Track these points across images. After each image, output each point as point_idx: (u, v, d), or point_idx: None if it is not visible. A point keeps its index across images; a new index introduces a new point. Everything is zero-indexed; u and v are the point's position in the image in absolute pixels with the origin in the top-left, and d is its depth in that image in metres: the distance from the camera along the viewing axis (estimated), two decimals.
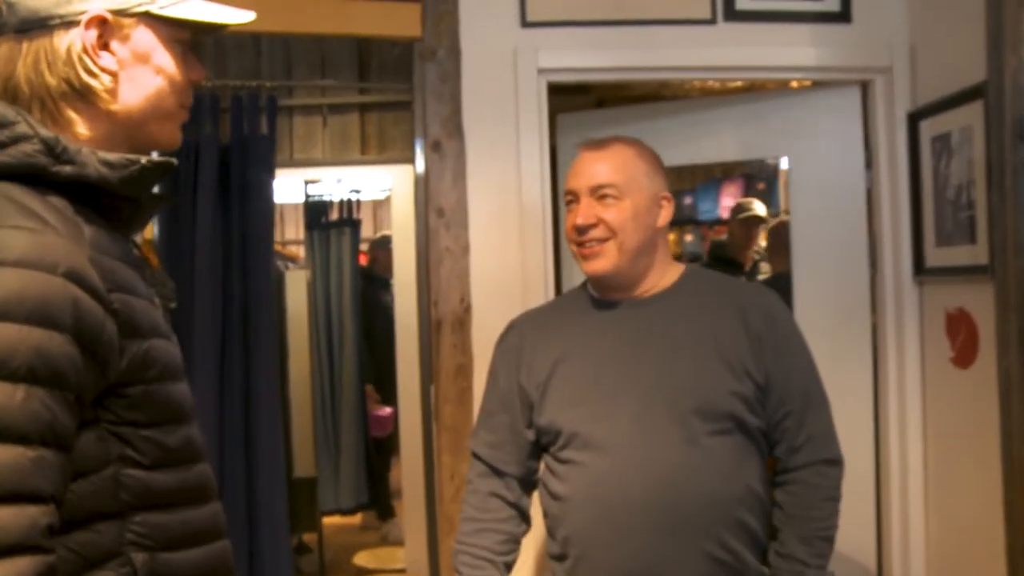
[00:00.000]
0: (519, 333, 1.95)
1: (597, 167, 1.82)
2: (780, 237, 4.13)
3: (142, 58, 1.12)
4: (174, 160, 1.15)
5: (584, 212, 1.80)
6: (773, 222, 4.43)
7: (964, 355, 2.46)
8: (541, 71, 2.58)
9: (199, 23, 1.16)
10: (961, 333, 2.47)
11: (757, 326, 1.80)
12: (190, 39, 1.18)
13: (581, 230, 1.80)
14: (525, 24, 2.58)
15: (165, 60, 1.14)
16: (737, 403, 1.75)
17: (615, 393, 1.78)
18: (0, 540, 0.85)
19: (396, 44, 3.07)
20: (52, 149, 1.03)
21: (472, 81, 2.58)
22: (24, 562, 0.87)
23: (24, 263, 0.92)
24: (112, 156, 1.06)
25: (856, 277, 2.80)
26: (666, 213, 1.86)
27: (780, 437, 1.81)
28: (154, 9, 1.11)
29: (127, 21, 1.10)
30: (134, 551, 1.04)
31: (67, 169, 1.03)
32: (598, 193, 1.80)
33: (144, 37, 1.12)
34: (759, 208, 4.30)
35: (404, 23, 2.57)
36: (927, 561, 2.64)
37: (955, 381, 2.51)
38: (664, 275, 1.88)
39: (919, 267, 2.63)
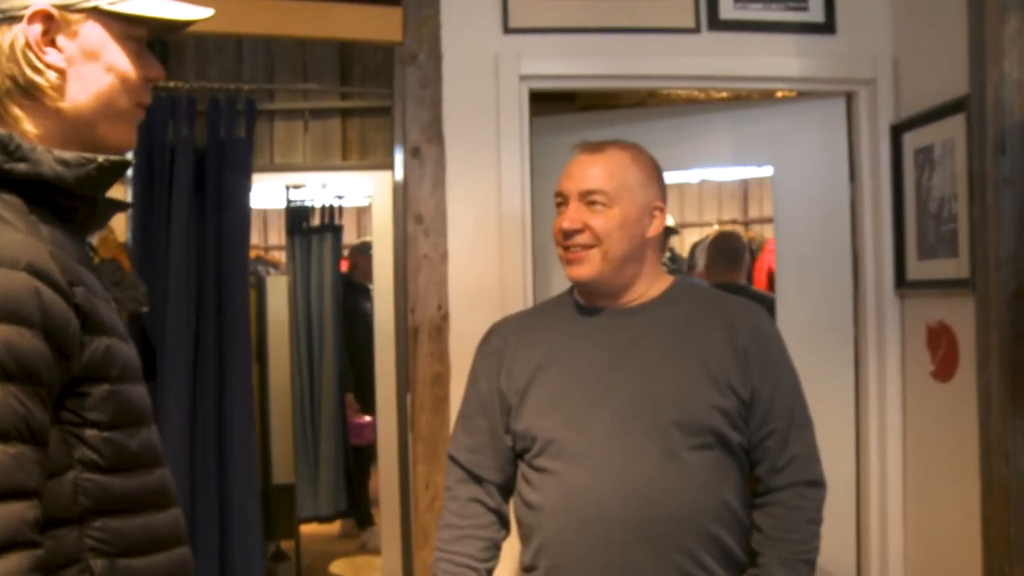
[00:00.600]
0: (501, 336, 1.92)
1: (589, 171, 1.79)
2: (720, 248, 4.14)
3: (91, 55, 1.09)
4: (130, 159, 1.13)
5: (571, 216, 1.77)
6: (713, 233, 4.43)
7: (944, 368, 2.45)
8: (523, 78, 2.56)
9: (153, 19, 1.13)
10: (942, 347, 2.46)
11: (744, 342, 1.78)
12: (146, 37, 1.15)
13: (567, 234, 1.78)
14: (507, 30, 2.56)
15: (116, 57, 1.11)
16: (719, 418, 1.73)
17: (594, 402, 1.76)
18: None
19: (379, 49, 3.05)
20: (5, 146, 1.01)
21: (453, 87, 2.56)
22: (17, 557, 0.88)
23: None
24: (68, 154, 1.04)
25: (839, 288, 2.78)
26: (658, 223, 1.84)
27: (762, 456, 1.78)
28: (103, 4, 1.08)
29: (75, 16, 1.07)
30: (93, 557, 1.02)
31: (21, 167, 1.01)
32: (587, 198, 1.77)
33: (93, 33, 1.09)
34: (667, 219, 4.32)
35: (385, 27, 2.55)
36: (905, 574, 2.63)
37: (935, 394, 2.49)
38: (652, 285, 1.85)
39: (900, 280, 2.62)
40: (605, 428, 1.73)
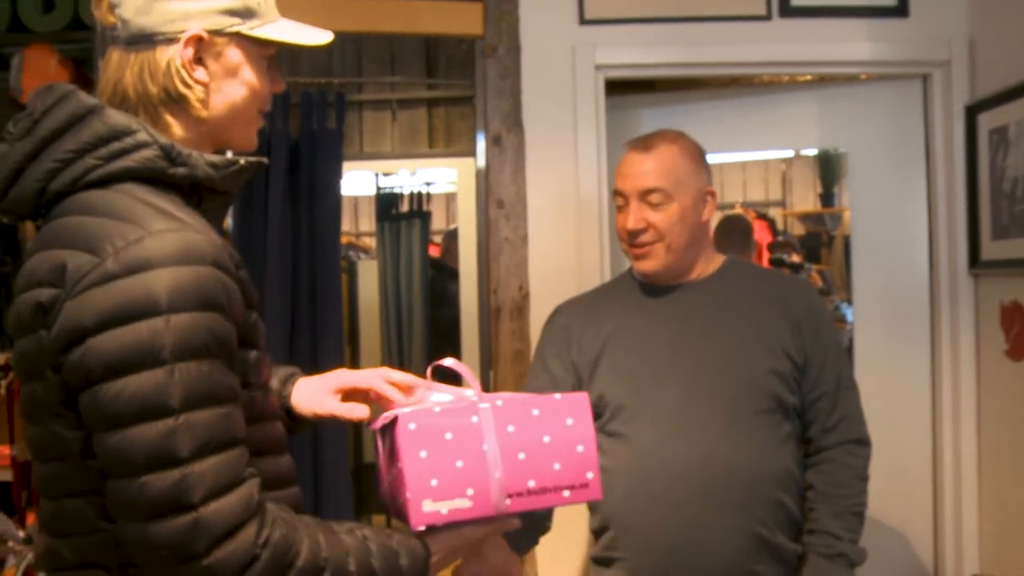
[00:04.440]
0: (567, 315, 2.04)
1: (644, 170, 1.88)
2: (729, 231, 4.19)
3: (231, 72, 1.25)
4: (265, 159, 1.31)
5: (634, 217, 1.88)
6: (723, 215, 4.45)
7: (1018, 347, 2.47)
8: (598, 67, 2.66)
9: (283, 43, 1.29)
10: (1015, 326, 2.47)
11: (798, 313, 1.88)
12: (275, 55, 1.32)
13: (632, 234, 1.89)
14: (583, 22, 2.66)
15: (251, 75, 1.27)
16: (777, 381, 1.83)
17: (661, 371, 1.87)
18: (226, 479, 1.07)
19: (462, 41, 3.15)
20: (168, 154, 1.17)
21: (531, 77, 2.67)
22: (245, 487, 1.09)
23: (182, 260, 1.07)
24: (215, 158, 1.22)
25: (914, 268, 2.81)
26: (710, 207, 1.94)
27: (814, 417, 1.88)
28: (244, 30, 1.24)
29: (220, 40, 1.23)
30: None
31: (181, 171, 1.18)
32: (646, 198, 1.87)
33: (234, 55, 1.25)
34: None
35: (467, 21, 2.67)
36: (980, 551, 2.65)
37: (1009, 373, 2.51)
38: (708, 264, 1.96)
39: (975, 260, 2.64)
40: (672, 394, 1.84)
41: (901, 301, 2.82)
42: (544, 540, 1.93)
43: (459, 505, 1.22)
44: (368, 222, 6.75)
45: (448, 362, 1.41)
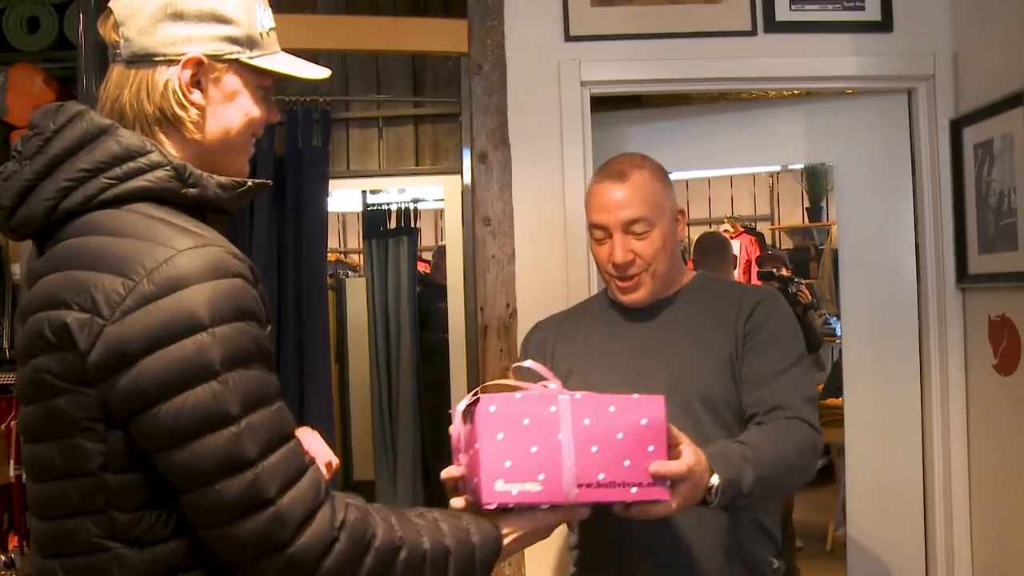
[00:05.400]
0: (545, 329, 2.06)
1: (624, 200, 1.85)
2: (705, 248, 4.17)
3: (228, 98, 1.28)
4: (270, 181, 1.35)
5: (622, 249, 1.84)
6: (700, 234, 4.49)
7: (1007, 361, 2.46)
8: (584, 83, 2.65)
9: (282, 75, 1.33)
10: (1004, 340, 2.47)
11: (744, 316, 1.85)
12: (271, 85, 1.35)
13: (620, 268, 1.86)
14: (568, 38, 2.65)
15: (247, 103, 1.30)
16: (733, 394, 1.81)
17: (626, 387, 1.85)
18: (293, 470, 1.13)
19: (448, 59, 3.16)
20: (181, 175, 1.20)
21: (517, 94, 2.66)
22: (311, 474, 1.16)
23: (214, 275, 1.11)
24: (224, 179, 1.25)
25: (902, 283, 2.81)
26: (682, 225, 1.96)
27: (756, 403, 1.78)
28: (244, 58, 1.27)
29: (220, 66, 1.26)
30: None
31: (193, 191, 1.21)
32: (630, 229, 1.85)
33: (232, 82, 1.28)
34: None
35: (452, 39, 2.67)
36: (973, 566, 2.64)
37: (998, 387, 2.51)
38: (678, 280, 1.97)
39: (962, 274, 2.64)
40: None
41: (889, 315, 2.82)
42: (530, 552, 1.93)
43: (529, 488, 1.28)
44: (355, 239, 6.78)
45: (528, 363, 1.50)
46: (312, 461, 1.18)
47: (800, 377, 1.82)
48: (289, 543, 1.10)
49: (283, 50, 1.35)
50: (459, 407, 1.37)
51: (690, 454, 1.42)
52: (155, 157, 1.19)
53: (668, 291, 1.94)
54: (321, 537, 1.12)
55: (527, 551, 1.98)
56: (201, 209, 1.24)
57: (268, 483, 1.10)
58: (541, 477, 1.28)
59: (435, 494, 5.02)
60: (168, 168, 1.19)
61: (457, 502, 1.38)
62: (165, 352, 1.08)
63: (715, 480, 1.49)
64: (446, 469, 1.42)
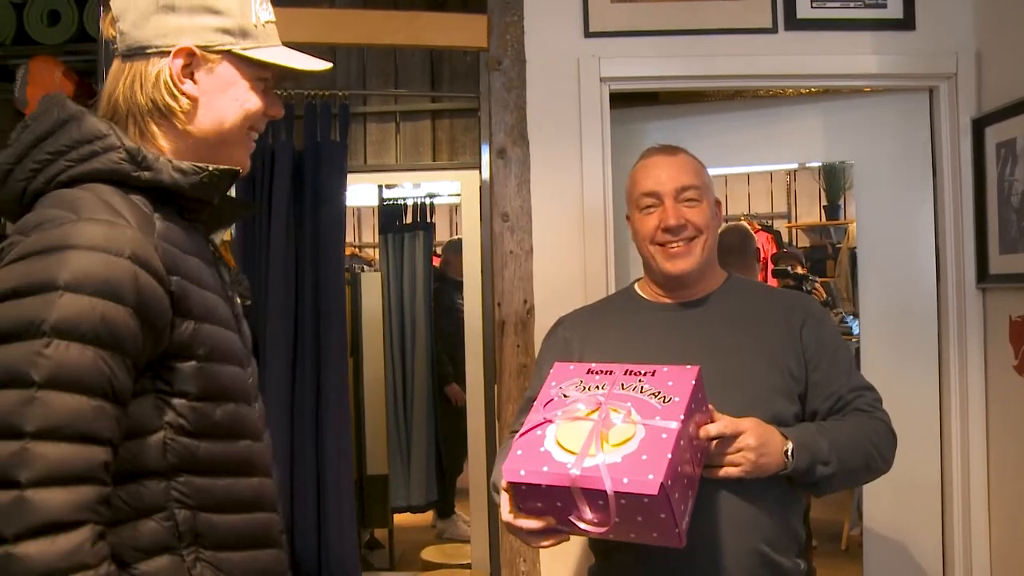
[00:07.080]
0: (567, 327, 2.02)
1: (677, 169, 1.88)
2: (728, 241, 4.05)
3: (222, 89, 1.29)
4: (238, 168, 1.31)
5: (674, 213, 1.85)
6: (723, 227, 4.40)
7: None
8: (603, 80, 2.64)
9: (276, 66, 1.33)
10: None
11: (797, 325, 1.85)
12: (273, 79, 1.35)
13: (673, 231, 1.86)
14: (588, 34, 2.65)
15: (243, 94, 1.30)
16: (779, 399, 1.79)
17: None
18: (67, 471, 1.03)
19: (467, 54, 3.16)
20: (134, 158, 1.21)
21: (536, 90, 2.66)
22: (86, 490, 1.05)
23: (97, 247, 1.10)
24: (184, 164, 1.24)
25: (922, 283, 2.79)
26: (719, 218, 1.96)
27: (832, 408, 1.84)
28: (236, 49, 1.28)
29: (213, 56, 1.27)
30: (177, 507, 1.20)
31: (145, 175, 1.22)
32: (682, 196, 1.86)
33: (227, 73, 1.29)
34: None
35: (471, 34, 2.66)
36: (991, 570, 2.63)
37: (1018, 388, 2.49)
38: (713, 278, 1.95)
39: (983, 274, 2.62)
40: None
41: (908, 315, 2.80)
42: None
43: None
44: (371, 233, 6.79)
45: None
46: (107, 485, 1.07)
47: (861, 378, 1.90)
48: (12, 540, 0.99)
49: (289, 45, 1.36)
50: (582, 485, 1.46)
51: (726, 418, 1.63)
52: (111, 141, 1.21)
53: (701, 289, 1.93)
54: (48, 562, 1.00)
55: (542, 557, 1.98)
56: (175, 199, 1.25)
57: (24, 466, 1.01)
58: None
59: (447, 490, 5.05)
60: (121, 151, 1.20)
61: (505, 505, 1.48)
62: (10, 304, 1.06)
63: (789, 445, 1.67)
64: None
